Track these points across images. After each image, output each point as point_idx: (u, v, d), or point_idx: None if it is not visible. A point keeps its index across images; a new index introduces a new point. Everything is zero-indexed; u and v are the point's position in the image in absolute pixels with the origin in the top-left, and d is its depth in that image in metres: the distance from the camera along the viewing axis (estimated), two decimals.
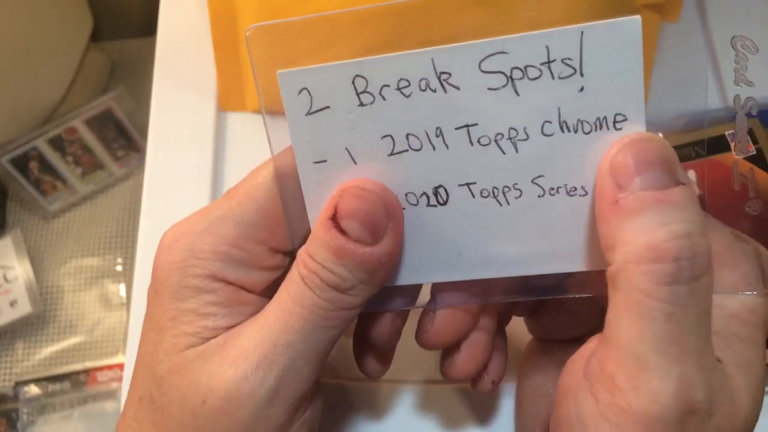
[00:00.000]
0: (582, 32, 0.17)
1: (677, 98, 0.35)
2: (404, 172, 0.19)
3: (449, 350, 0.23)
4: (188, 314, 0.19)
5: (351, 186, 0.19)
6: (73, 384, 0.48)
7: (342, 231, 0.18)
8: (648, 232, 0.16)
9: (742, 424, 0.17)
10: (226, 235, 0.20)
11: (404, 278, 0.20)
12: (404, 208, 0.20)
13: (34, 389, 0.48)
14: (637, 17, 0.17)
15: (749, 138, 0.35)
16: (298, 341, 0.19)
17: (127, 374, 0.35)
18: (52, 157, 0.55)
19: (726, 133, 0.35)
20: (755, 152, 0.35)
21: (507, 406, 0.29)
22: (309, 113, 0.19)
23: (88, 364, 0.49)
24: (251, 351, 0.19)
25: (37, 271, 0.53)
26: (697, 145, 0.35)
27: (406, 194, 0.20)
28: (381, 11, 0.25)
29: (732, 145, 0.36)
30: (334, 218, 0.18)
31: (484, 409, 0.29)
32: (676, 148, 0.36)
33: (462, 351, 0.23)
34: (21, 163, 0.54)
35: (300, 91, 0.19)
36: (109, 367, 0.49)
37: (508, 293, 0.21)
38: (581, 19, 0.30)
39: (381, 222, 0.19)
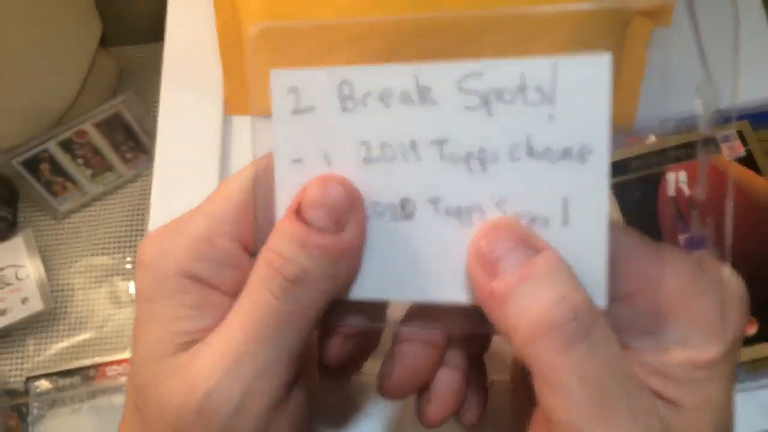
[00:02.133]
0: (556, 63, 0.18)
1: (669, 101, 0.35)
2: (376, 180, 0.20)
3: (421, 395, 0.22)
4: (159, 318, 0.19)
5: (314, 179, 0.19)
6: (83, 379, 0.49)
7: (306, 223, 0.18)
8: (527, 311, 0.16)
9: None
10: (197, 230, 0.20)
11: (360, 292, 0.20)
12: (369, 218, 0.20)
13: (44, 384, 0.49)
14: (607, 55, 0.18)
15: (739, 140, 0.36)
16: (261, 351, 0.18)
17: None
18: (63, 159, 0.56)
19: (716, 135, 0.36)
20: (745, 154, 0.36)
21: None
22: (294, 112, 0.20)
23: (98, 360, 0.49)
24: (216, 367, 0.18)
25: (48, 270, 0.54)
26: (688, 147, 0.36)
27: (374, 203, 0.20)
28: (383, 24, 0.26)
29: (723, 147, 0.36)
30: (299, 211, 0.19)
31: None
32: (668, 150, 0.37)
33: (432, 399, 0.22)
34: (32, 165, 0.55)
35: (289, 90, 0.20)
36: (118, 362, 0.49)
37: (471, 323, 0.21)
38: (576, 28, 0.31)
39: (344, 211, 0.19)
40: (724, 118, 0.38)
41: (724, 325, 0.18)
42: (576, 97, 0.18)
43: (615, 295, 0.18)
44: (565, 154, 0.18)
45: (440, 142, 0.19)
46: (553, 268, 0.17)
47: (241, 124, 0.39)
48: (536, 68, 0.18)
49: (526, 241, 0.17)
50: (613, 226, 0.18)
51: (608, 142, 0.18)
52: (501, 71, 0.18)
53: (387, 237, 0.20)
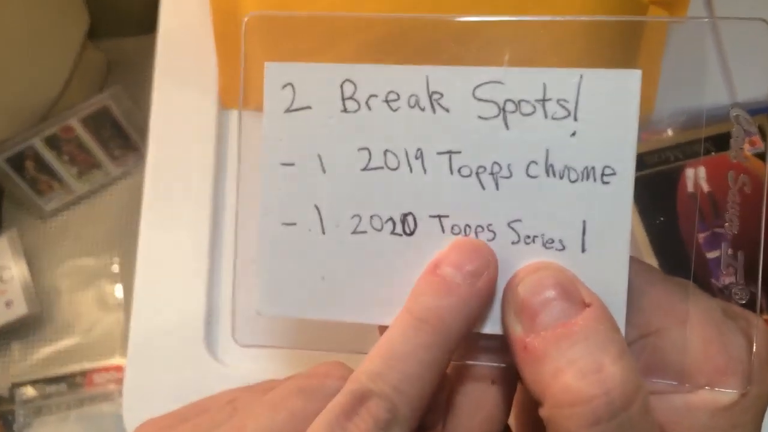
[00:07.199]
0: (581, 75, 0.17)
1: (686, 94, 0.35)
2: (375, 191, 0.18)
3: None
4: None
5: (455, 246, 0.18)
6: (70, 386, 0.48)
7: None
8: (558, 373, 0.15)
9: None
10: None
11: (347, 314, 0.19)
12: (365, 232, 0.18)
13: (30, 391, 0.48)
14: (638, 71, 0.17)
15: (760, 135, 0.35)
16: None
17: (127, 376, 0.35)
18: (48, 156, 0.54)
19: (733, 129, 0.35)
20: (764, 149, 0.35)
21: None
22: (288, 110, 0.18)
23: (86, 366, 0.48)
24: None
25: (33, 272, 0.52)
26: (707, 141, 0.35)
27: (371, 216, 0.18)
28: (381, 19, 0.25)
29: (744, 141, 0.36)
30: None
31: None
32: (687, 144, 0.36)
33: None
34: (17, 163, 0.54)
35: (285, 86, 0.18)
36: (106, 369, 0.48)
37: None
38: (590, 12, 0.30)
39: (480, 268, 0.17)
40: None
41: (751, 375, 0.17)
42: (601, 114, 0.17)
43: (639, 332, 0.17)
44: (587, 174, 0.17)
45: (450, 154, 0.18)
46: (593, 331, 0.16)
47: (237, 117, 0.38)
48: (560, 80, 0.17)
49: (570, 292, 0.16)
50: (632, 258, 0.17)
51: (633, 164, 0.17)
52: (521, 80, 0.17)
53: (384, 254, 0.18)
